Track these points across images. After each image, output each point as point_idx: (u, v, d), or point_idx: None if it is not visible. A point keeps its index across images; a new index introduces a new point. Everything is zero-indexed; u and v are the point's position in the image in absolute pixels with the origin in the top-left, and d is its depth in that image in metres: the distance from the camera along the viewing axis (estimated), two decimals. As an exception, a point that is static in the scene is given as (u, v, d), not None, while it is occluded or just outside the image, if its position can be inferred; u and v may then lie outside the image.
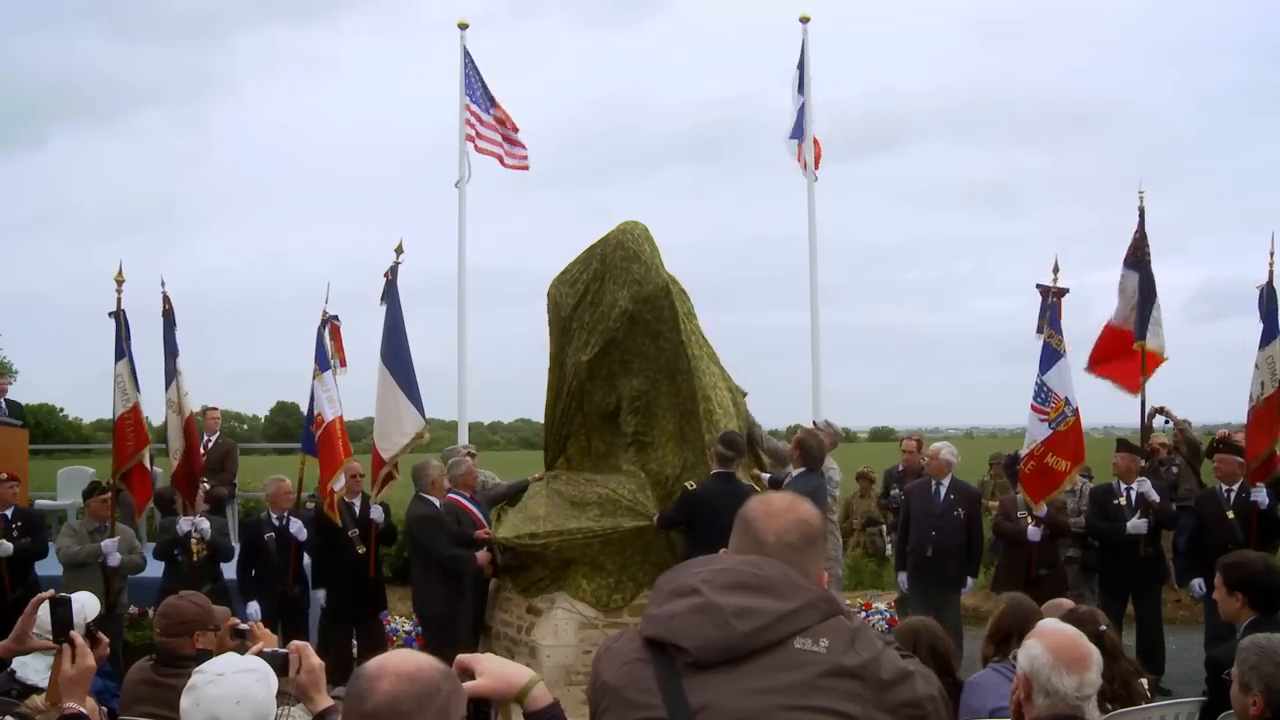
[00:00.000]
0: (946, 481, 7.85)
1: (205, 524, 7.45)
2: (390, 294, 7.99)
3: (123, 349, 7.42)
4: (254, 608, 7.32)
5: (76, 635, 2.77)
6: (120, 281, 7.44)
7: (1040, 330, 7.49)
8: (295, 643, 2.63)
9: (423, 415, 7.93)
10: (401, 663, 1.74)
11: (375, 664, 1.75)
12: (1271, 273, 7.31)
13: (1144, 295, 7.51)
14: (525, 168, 11.10)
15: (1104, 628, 3.81)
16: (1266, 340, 7.24)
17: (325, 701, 2.56)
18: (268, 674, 2.59)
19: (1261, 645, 3.07)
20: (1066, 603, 4.48)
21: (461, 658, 1.94)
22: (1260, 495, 7.08)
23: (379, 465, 7.91)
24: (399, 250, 8.03)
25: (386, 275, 8.03)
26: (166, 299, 7.81)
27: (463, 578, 7.41)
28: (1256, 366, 7.24)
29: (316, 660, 2.60)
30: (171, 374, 7.69)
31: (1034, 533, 7.43)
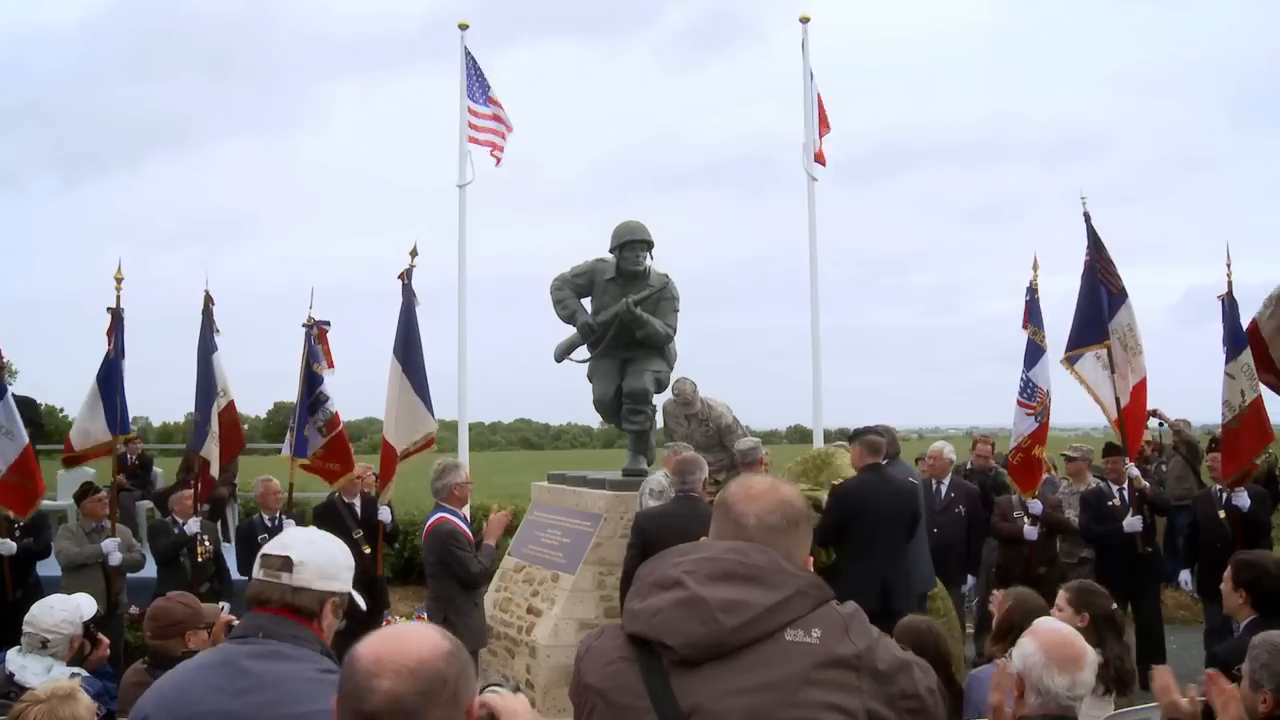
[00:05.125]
0: (947, 480, 7.99)
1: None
2: (405, 295, 7.97)
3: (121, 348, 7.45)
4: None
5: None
6: (119, 279, 7.45)
7: (1025, 326, 7.56)
8: None
9: (433, 416, 7.95)
10: (400, 655, 1.52)
11: (370, 656, 1.53)
12: (1230, 283, 7.25)
13: (1090, 299, 7.33)
14: (498, 159, 10.56)
15: (1114, 606, 3.82)
16: (1240, 349, 7.16)
17: None
18: (348, 558, 2.60)
19: (1273, 643, 3.07)
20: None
21: (488, 698, 1.72)
22: (1241, 499, 7.03)
23: (393, 463, 7.82)
24: (413, 253, 8.00)
25: (401, 277, 7.99)
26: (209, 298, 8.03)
27: None
28: (1231, 375, 7.04)
29: None
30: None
31: (1030, 531, 7.47)
